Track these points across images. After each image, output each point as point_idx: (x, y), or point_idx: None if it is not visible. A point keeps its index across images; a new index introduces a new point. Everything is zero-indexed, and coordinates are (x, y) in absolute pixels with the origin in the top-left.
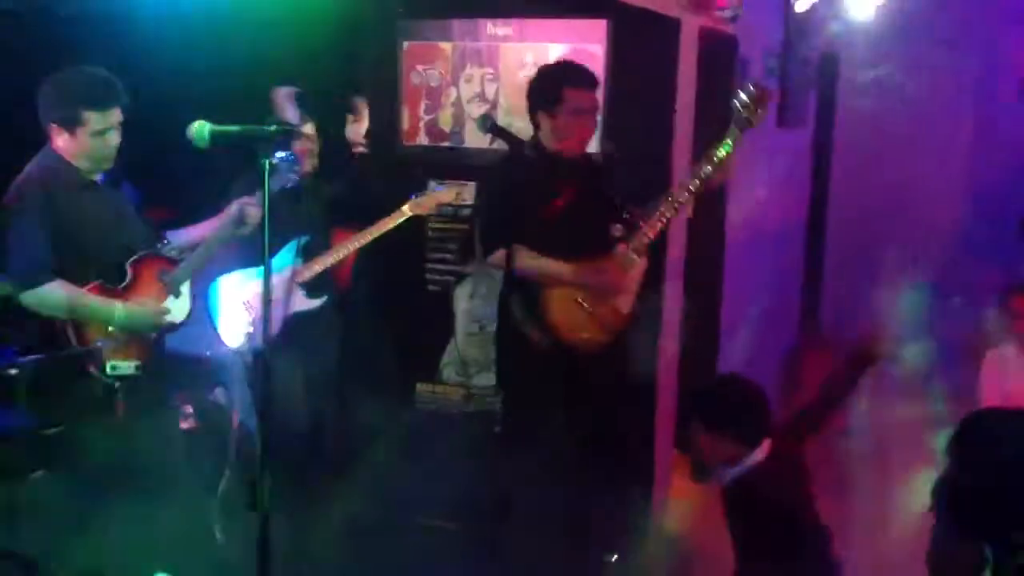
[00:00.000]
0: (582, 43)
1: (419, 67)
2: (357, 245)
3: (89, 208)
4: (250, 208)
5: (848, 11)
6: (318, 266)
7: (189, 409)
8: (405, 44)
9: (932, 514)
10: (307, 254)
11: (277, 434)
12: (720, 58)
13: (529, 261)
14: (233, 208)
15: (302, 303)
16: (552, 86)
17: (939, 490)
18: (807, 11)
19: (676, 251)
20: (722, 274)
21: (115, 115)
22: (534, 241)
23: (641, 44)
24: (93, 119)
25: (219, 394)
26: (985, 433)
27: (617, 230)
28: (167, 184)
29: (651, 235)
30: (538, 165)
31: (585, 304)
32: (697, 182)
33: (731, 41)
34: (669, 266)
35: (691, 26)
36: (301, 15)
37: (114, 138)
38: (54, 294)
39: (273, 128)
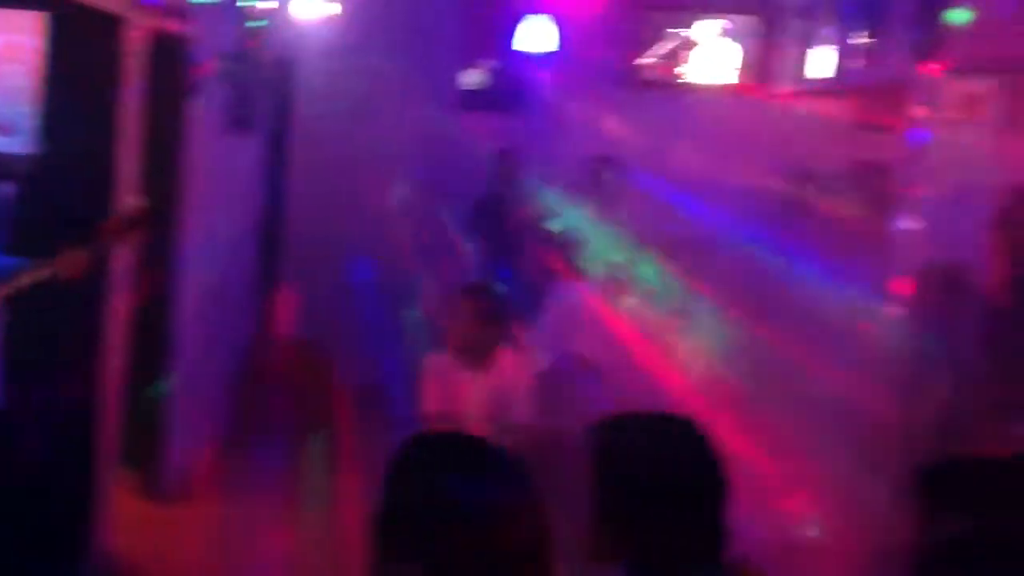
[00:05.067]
0: (18, 34)
1: None
2: None
3: None
4: None
5: (302, 17)
6: None
7: None
8: None
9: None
10: None
11: None
12: (171, 59)
13: None
14: None
15: None
16: None
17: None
18: (263, 15)
19: (123, 263)
20: (175, 280)
21: None
22: None
23: (84, 41)
24: None
25: None
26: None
27: None
28: None
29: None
30: None
31: None
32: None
33: (183, 42)
34: (115, 279)
35: (138, 25)
36: None
37: None
38: None
39: None
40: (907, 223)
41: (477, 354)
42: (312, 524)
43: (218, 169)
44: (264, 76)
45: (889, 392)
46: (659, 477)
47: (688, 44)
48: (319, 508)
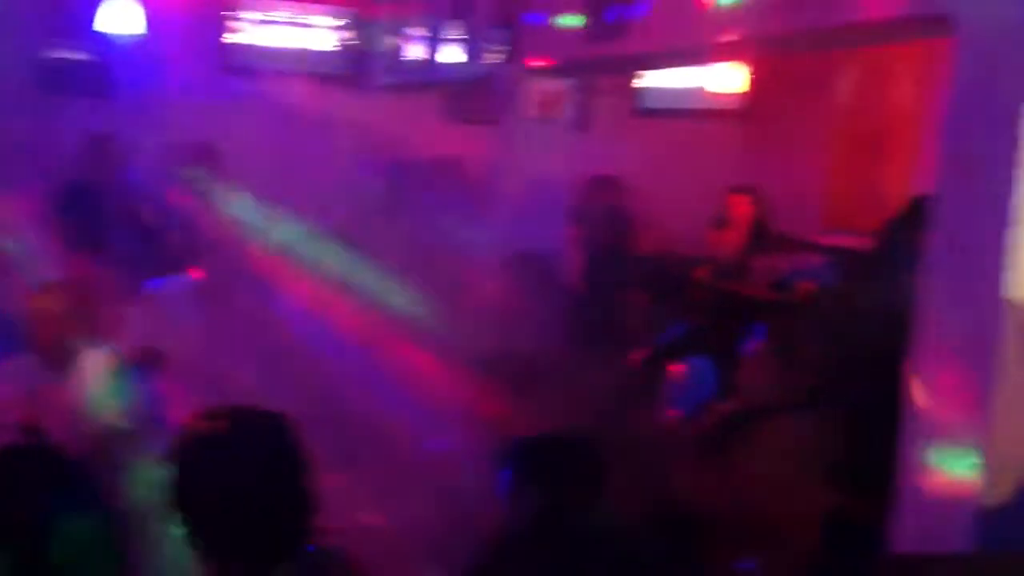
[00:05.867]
0: None
1: None
2: None
3: None
4: None
5: None
6: None
7: None
8: None
9: None
10: None
11: None
12: None
13: None
14: None
15: None
16: None
17: None
18: None
19: None
20: None
21: None
22: None
23: None
24: None
25: None
26: None
27: None
28: None
29: None
30: None
31: None
32: None
33: None
34: None
35: None
36: None
37: None
38: None
39: None
40: (493, 215)
41: (61, 355)
42: None
43: None
44: None
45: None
46: (236, 482)
47: (284, 31)
48: None
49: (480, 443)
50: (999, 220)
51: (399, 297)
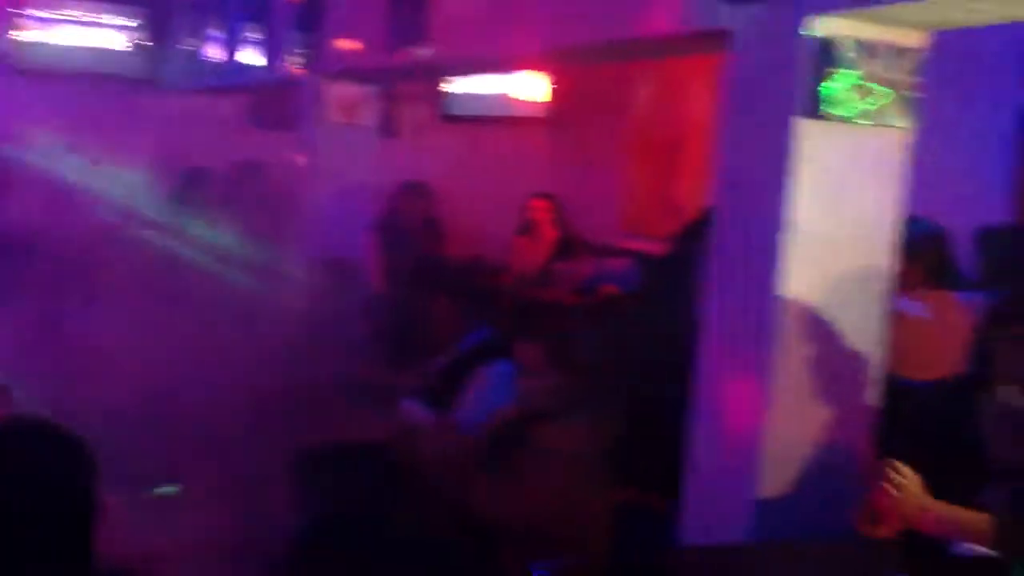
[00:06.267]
0: None
1: None
2: None
3: None
4: None
5: None
6: None
7: None
8: None
9: None
10: None
11: None
12: None
13: None
14: None
15: None
16: None
17: None
18: None
19: None
20: None
21: None
22: None
23: None
24: None
25: None
26: None
27: None
28: None
29: None
30: None
31: None
32: None
33: None
34: None
35: None
36: None
37: None
38: None
39: None
40: (297, 220)
41: None
42: None
43: None
44: None
45: (280, 380)
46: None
47: (75, 30)
48: None
49: (277, 455)
50: (771, 225)
51: (193, 304)
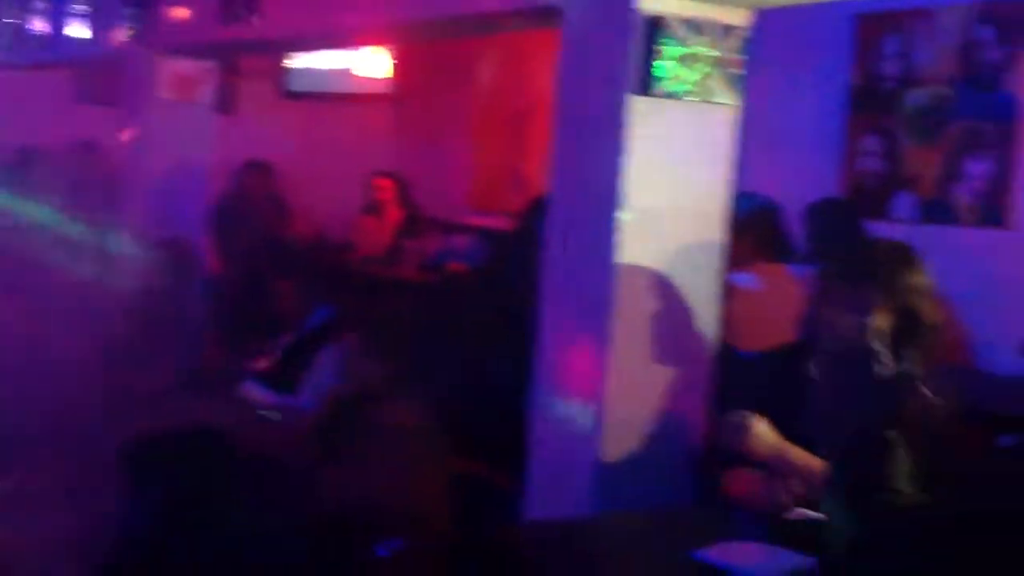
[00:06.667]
0: None
1: None
2: None
3: None
4: None
5: None
6: None
7: None
8: None
9: None
10: None
11: None
12: None
13: None
14: None
15: None
16: None
17: None
18: None
19: None
20: None
21: None
22: None
23: None
24: None
25: None
26: None
27: None
28: None
29: None
30: None
31: None
32: None
33: None
34: None
35: None
36: None
37: None
38: None
39: None
40: (131, 201)
41: None
42: None
43: None
44: None
45: (113, 369)
46: None
47: None
48: None
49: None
50: (606, 200)
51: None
